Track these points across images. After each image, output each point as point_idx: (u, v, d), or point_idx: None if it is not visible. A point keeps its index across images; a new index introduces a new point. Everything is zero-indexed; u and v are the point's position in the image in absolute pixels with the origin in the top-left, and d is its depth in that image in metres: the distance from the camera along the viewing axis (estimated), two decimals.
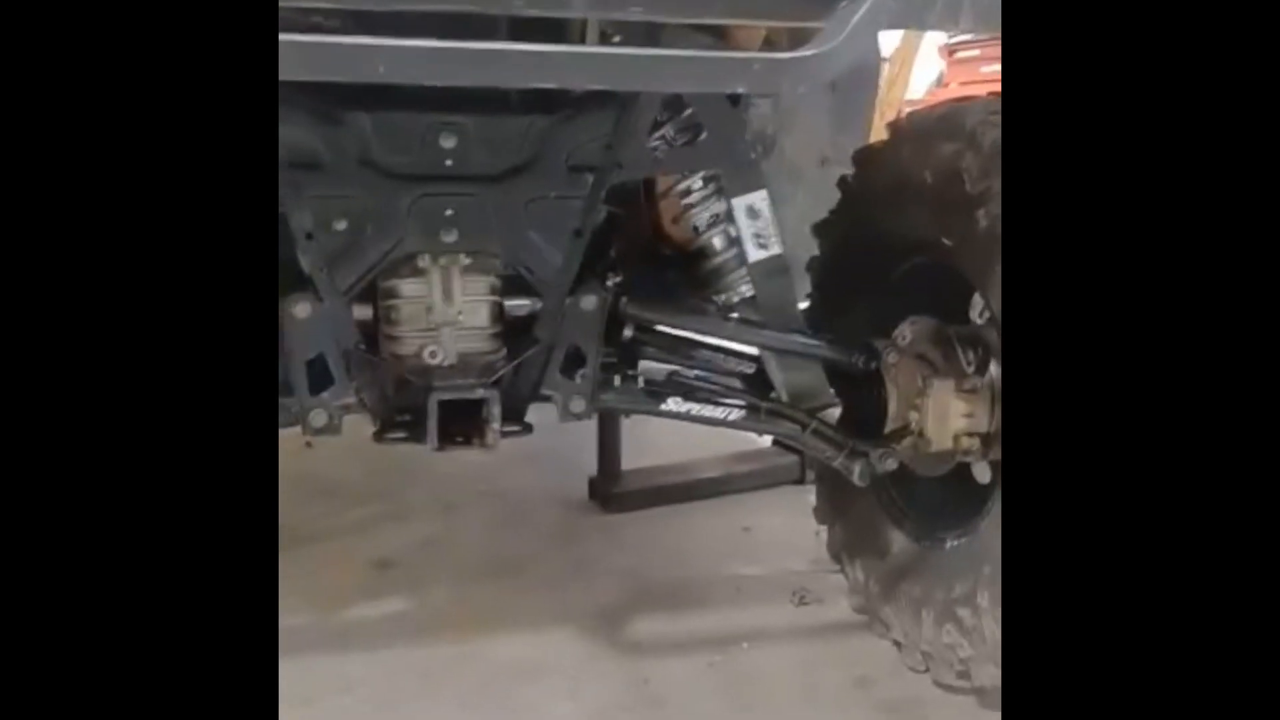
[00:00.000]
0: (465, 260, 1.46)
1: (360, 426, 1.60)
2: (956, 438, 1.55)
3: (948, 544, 1.62)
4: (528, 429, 1.54)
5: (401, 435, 1.48)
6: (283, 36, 1.01)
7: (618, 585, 2.05)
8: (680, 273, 1.68)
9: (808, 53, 0.95)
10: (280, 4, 1.14)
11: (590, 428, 2.36)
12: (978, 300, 1.58)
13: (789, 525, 2.25)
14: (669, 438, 2.45)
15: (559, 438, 1.90)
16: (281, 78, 1.14)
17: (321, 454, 2.57)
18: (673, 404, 1.59)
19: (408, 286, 1.46)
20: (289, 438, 2.17)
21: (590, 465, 2.43)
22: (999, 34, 0.99)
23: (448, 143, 1.37)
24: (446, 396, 1.42)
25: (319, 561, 2.12)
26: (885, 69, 3.72)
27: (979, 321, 1.59)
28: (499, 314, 1.51)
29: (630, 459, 2.42)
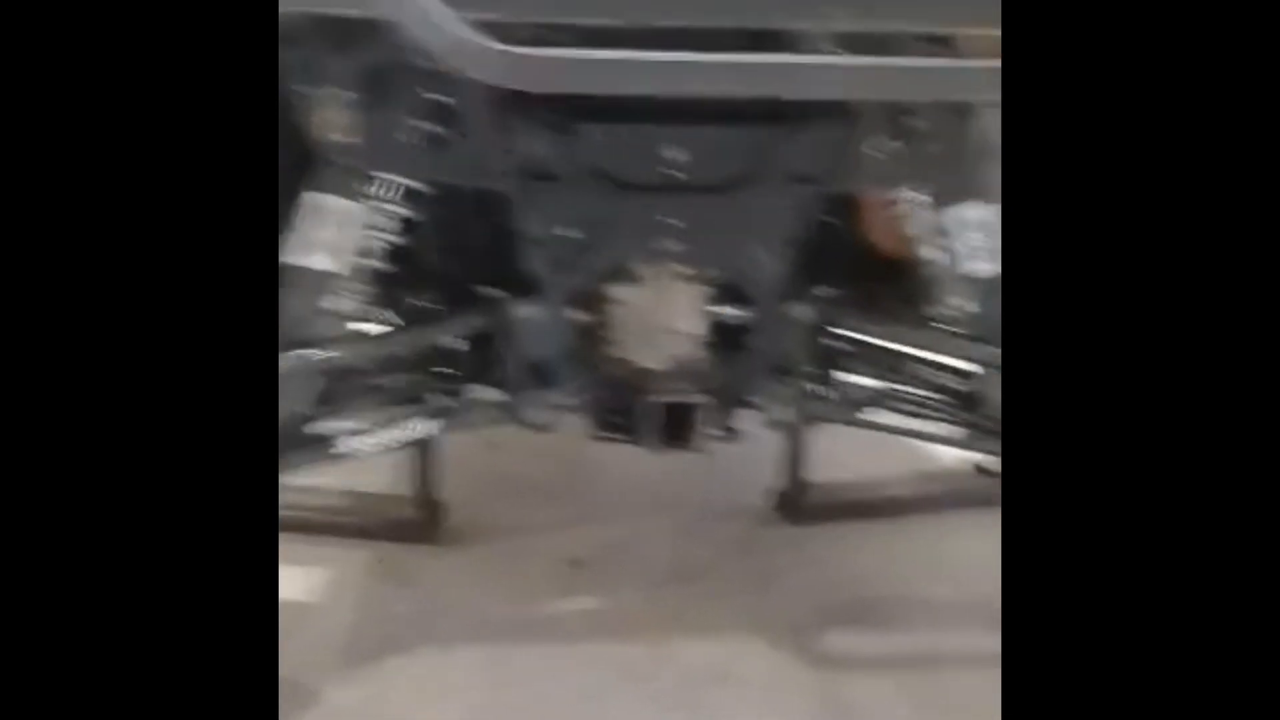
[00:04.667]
0: (683, 268, 1.49)
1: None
2: None
3: None
4: (736, 435, 1.56)
5: (617, 436, 1.53)
6: (544, 53, 1.07)
7: (805, 599, 2.04)
8: (891, 285, 1.66)
9: None
10: (521, 20, 1.22)
11: (769, 440, 2.36)
12: None
13: (983, 548, 2.17)
14: (854, 453, 2.41)
15: (737, 448, 1.91)
16: (541, 91, 1.20)
17: (504, 454, 2.67)
18: (880, 416, 1.58)
19: (626, 293, 1.51)
20: (476, 439, 2.28)
21: (768, 478, 2.42)
22: None
23: (673, 154, 1.41)
24: (665, 400, 1.45)
25: (513, 556, 2.20)
26: None
27: None
28: (711, 321, 1.54)
29: (815, 473, 2.40)
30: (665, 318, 1.49)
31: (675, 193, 1.43)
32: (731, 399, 1.54)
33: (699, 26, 1.26)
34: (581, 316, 1.51)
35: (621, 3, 1.23)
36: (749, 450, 2.11)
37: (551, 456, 2.59)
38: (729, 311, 1.53)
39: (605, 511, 2.42)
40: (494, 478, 2.58)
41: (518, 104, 1.36)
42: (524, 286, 1.48)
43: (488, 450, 2.67)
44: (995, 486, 2.35)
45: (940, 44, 1.39)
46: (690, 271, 1.49)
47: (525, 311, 1.46)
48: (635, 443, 1.49)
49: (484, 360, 1.57)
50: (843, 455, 2.41)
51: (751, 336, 1.53)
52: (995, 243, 1.51)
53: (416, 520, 2.24)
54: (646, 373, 1.49)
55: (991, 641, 1.85)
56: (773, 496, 2.40)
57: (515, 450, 2.60)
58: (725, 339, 1.54)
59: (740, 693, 1.73)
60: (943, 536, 2.29)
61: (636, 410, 1.48)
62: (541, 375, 1.50)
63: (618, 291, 1.50)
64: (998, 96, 1.47)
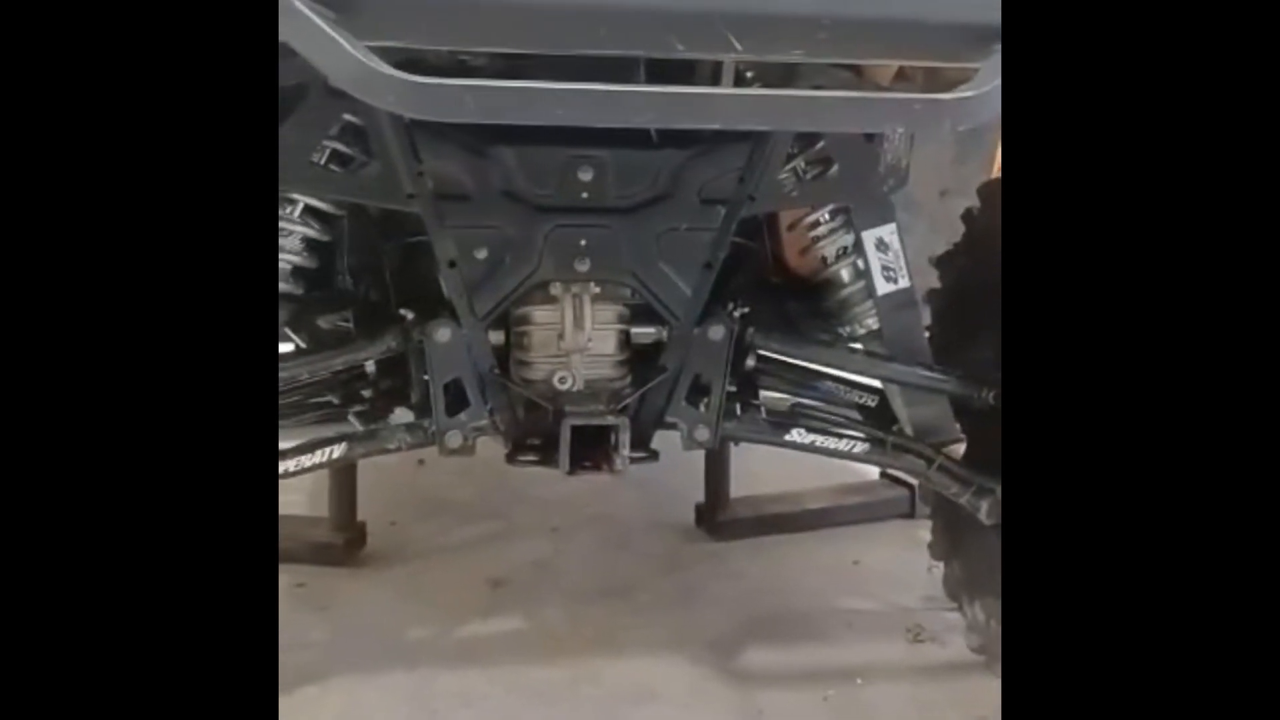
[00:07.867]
0: (595, 289, 1.49)
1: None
2: None
3: None
4: (654, 455, 1.57)
5: (533, 458, 1.52)
6: (442, 81, 1.06)
7: (727, 613, 2.05)
8: (803, 304, 1.69)
9: (969, 93, 0.95)
10: (435, 49, 1.21)
11: (693, 455, 2.37)
12: None
13: (899, 559, 2.23)
14: (774, 468, 2.44)
15: (662, 464, 1.92)
16: (439, 119, 1.19)
17: (433, 473, 2.64)
18: (796, 434, 1.60)
19: (540, 313, 1.50)
20: (403, 457, 2.27)
21: (694, 493, 2.44)
22: None
23: (585, 176, 1.41)
24: (579, 422, 1.45)
25: (435, 577, 2.18)
26: None
27: None
28: (626, 342, 1.55)
29: (737, 488, 2.43)
30: (579, 338, 1.49)
31: (586, 214, 1.44)
32: (647, 420, 1.55)
33: (610, 55, 1.26)
34: (495, 337, 1.51)
35: (533, 32, 1.22)
36: (672, 468, 2.13)
37: (477, 475, 2.57)
38: (642, 331, 1.54)
39: (526, 530, 2.41)
40: (417, 498, 2.56)
41: (428, 125, 1.35)
42: (436, 308, 1.47)
43: (416, 470, 2.65)
44: (905, 496, 2.42)
45: (850, 72, 1.42)
46: (604, 292, 1.50)
47: (438, 333, 1.45)
48: (550, 465, 1.48)
49: (398, 382, 1.55)
50: (762, 469, 2.45)
51: (666, 356, 1.53)
52: (902, 262, 1.55)
53: (336, 543, 2.20)
54: (561, 394, 1.49)
55: (906, 651, 1.92)
56: (695, 512, 2.42)
57: (441, 470, 2.58)
58: (639, 359, 1.55)
59: (661, 711, 1.73)
60: (859, 548, 2.34)
61: (551, 432, 1.48)
62: (455, 397, 1.48)
63: (531, 312, 1.50)
64: (928, 128, 1.52)
